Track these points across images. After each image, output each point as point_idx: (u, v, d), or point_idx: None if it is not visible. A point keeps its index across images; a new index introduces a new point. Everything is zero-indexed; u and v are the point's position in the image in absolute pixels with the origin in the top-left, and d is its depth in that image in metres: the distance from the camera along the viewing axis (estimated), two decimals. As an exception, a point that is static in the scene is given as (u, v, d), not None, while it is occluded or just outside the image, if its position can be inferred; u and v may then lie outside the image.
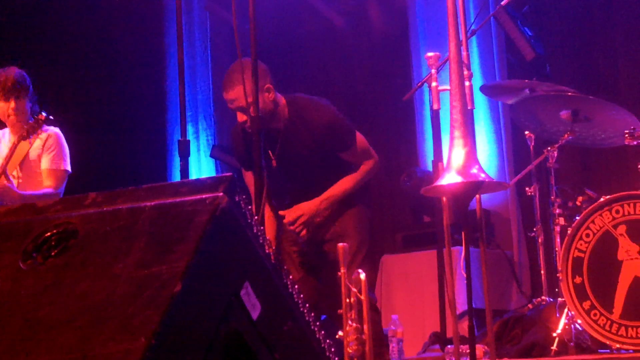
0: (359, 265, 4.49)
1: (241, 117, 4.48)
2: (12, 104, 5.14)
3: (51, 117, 5.05)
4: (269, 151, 4.63)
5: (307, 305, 2.40)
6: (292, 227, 4.57)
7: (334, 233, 4.69)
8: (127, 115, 8.01)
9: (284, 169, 4.68)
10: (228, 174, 2.20)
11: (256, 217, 2.25)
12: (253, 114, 3.67)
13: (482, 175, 3.07)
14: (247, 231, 2.26)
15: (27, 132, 5.02)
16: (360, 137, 4.71)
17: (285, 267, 4.72)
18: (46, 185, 5.20)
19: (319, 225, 4.70)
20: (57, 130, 5.28)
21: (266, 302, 2.27)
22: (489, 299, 3.42)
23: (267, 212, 4.70)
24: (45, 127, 5.19)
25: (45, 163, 5.21)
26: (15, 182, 5.07)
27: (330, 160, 4.65)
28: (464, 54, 3.26)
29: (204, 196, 2.19)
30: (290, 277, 2.45)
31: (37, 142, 5.19)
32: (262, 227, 2.30)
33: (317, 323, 2.44)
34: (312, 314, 2.42)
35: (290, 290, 2.38)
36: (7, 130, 5.34)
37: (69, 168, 5.27)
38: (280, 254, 4.71)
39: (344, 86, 7.80)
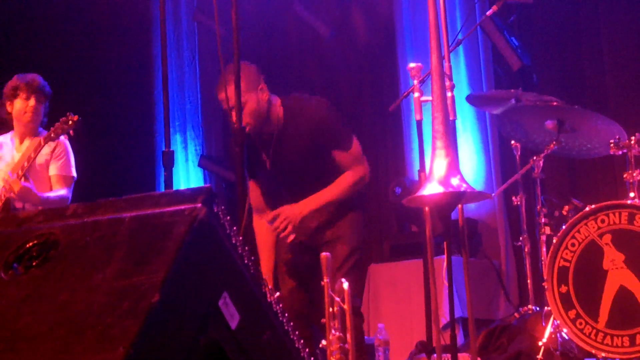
0: (351, 268, 4.48)
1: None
2: (32, 102, 5.26)
3: (81, 119, 5.11)
4: (263, 154, 4.62)
5: (286, 314, 2.42)
6: (273, 226, 4.48)
7: (330, 236, 4.66)
8: (115, 125, 8.03)
9: (277, 171, 4.66)
10: (207, 185, 2.23)
11: (235, 228, 2.26)
12: (236, 126, 3.66)
13: (464, 185, 3.08)
14: (226, 242, 2.27)
15: (54, 133, 5.12)
16: (356, 143, 4.68)
17: (277, 276, 4.70)
18: (57, 189, 5.31)
19: (316, 229, 4.67)
20: (64, 138, 5.35)
21: (245, 312, 2.28)
22: (477, 309, 3.45)
23: (265, 223, 4.65)
24: None
25: (54, 169, 5.33)
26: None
27: (324, 162, 4.61)
28: (446, 65, 3.28)
29: (182, 207, 2.21)
30: (271, 286, 2.47)
31: (46, 149, 5.26)
32: (241, 238, 2.31)
33: (297, 332, 2.45)
34: (292, 324, 2.44)
35: (269, 299, 2.39)
36: (8, 136, 5.41)
37: (76, 175, 5.39)
38: (275, 262, 4.70)
39: (331, 96, 7.77)
